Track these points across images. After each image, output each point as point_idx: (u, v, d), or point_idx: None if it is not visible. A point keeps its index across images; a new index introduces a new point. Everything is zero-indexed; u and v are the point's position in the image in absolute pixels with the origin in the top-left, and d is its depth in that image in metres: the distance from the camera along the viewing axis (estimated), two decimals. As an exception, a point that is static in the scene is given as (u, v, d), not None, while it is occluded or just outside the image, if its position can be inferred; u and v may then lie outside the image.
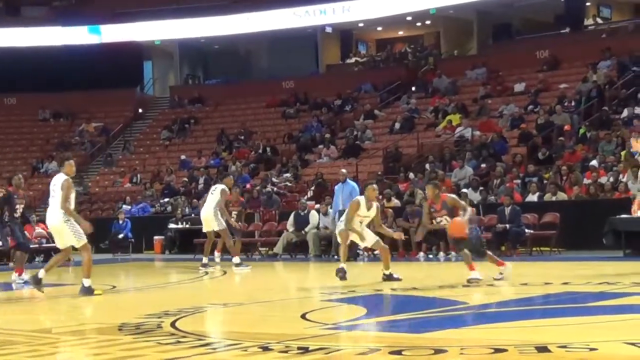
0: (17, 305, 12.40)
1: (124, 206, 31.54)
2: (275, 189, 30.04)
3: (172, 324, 9.75)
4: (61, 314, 11.51)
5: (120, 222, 28.52)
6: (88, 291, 13.10)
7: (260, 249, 26.08)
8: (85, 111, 42.65)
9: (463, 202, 14.59)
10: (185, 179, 33.83)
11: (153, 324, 9.89)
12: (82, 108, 42.63)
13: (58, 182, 13.30)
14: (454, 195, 15.05)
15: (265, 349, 7.85)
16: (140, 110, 44.15)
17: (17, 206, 17.11)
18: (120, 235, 28.36)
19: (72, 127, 42.23)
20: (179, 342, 8.58)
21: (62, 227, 13.08)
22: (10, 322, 11.21)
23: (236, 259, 19.19)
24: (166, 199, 32.14)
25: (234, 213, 20.56)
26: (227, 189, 19.54)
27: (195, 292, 11.95)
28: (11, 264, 17.79)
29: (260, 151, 35.41)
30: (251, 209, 26.82)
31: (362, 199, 14.99)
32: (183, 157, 36.84)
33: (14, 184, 17.46)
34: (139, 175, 36.30)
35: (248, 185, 30.73)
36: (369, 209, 14.81)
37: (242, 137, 37.59)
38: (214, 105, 42.39)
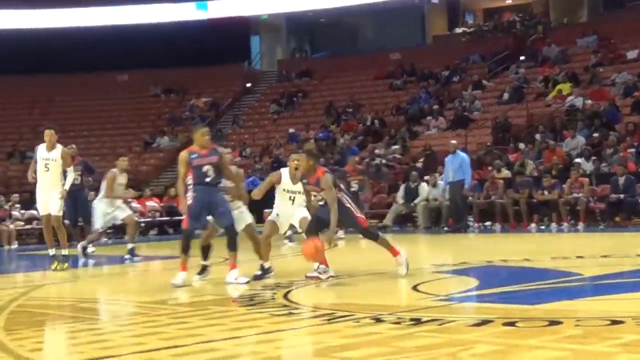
0: (134, 278, 12.68)
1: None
2: (383, 161, 29.99)
3: (285, 296, 9.85)
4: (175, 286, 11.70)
5: (231, 196, 28.83)
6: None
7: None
8: (195, 86, 43.18)
9: (333, 193, 11.39)
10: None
11: (266, 295, 10.01)
12: (192, 83, 43.18)
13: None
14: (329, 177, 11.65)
15: (378, 320, 7.87)
16: (248, 85, 44.51)
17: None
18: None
19: (182, 103, 42.81)
20: (291, 313, 8.67)
21: None
22: (128, 294, 11.49)
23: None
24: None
25: (353, 183, 20.59)
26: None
27: (307, 264, 12.02)
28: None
29: (368, 123, 35.37)
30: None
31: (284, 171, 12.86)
32: (291, 130, 37.02)
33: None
34: (248, 149, 36.65)
35: (356, 158, 30.71)
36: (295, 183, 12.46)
37: (350, 110, 37.60)
38: (322, 78, 42.47)
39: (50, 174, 14.75)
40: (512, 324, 7.27)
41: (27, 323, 8.91)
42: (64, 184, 14.90)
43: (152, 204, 27.64)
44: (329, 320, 8.14)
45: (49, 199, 14.61)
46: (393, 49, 41.88)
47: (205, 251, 12.56)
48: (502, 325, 7.23)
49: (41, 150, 15.04)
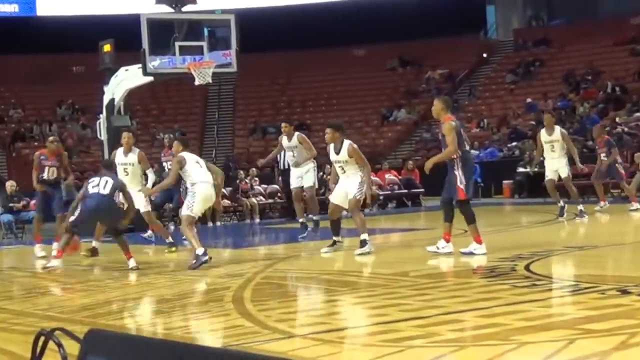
0: (374, 250, 12.81)
1: (472, 151, 31.67)
2: (625, 129, 28.95)
3: (526, 267, 9.71)
4: (415, 258, 11.77)
5: (471, 167, 28.67)
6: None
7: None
8: (431, 58, 43.11)
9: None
10: (532, 122, 33.41)
11: (506, 267, 9.90)
12: (427, 56, 43.14)
13: None
14: None
15: (624, 292, 7.63)
16: (484, 55, 44.02)
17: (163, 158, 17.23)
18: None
19: (418, 75, 42.87)
20: (534, 285, 8.53)
21: None
22: (368, 266, 11.65)
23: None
24: (513, 143, 31.97)
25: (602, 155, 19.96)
26: None
27: (548, 236, 11.80)
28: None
29: (609, 91, 34.23)
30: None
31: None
32: (529, 100, 36.37)
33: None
34: (485, 120, 36.30)
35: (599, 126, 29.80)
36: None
37: (589, 77, 36.51)
38: (559, 46, 41.42)
39: (130, 177, 14.84)
40: None
41: (272, 294, 9.20)
42: (145, 184, 15.17)
43: (391, 177, 27.84)
44: (572, 291, 7.97)
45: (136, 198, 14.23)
46: (634, 13, 40.23)
47: (336, 226, 13.19)
48: None
49: (119, 154, 15.28)
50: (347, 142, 12.95)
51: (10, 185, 22.34)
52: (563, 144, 17.64)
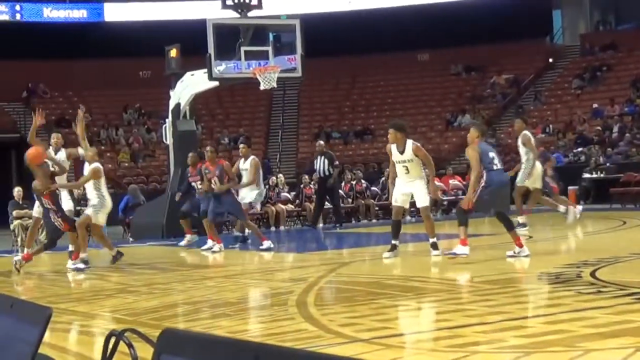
0: (437, 256, 12.78)
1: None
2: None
3: (592, 274, 9.61)
4: (479, 263, 11.72)
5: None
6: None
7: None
8: (496, 63, 42.83)
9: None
10: (599, 127, 33.05)
11: (572, 273, 9.82)
12: (492, 60, 42.85)
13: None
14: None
15: (693, 300, 7.52)
16: (550, 60, 43.61)
17: (192, 184, 17.24)
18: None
19: (483, 80, 42.61)
20: (599, 291, 8.45)
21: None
22: (432, 271, 11.62)
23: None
24: (579, 149, 31.64)
25: None
26: None
27: (614, 242, 11.65)
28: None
29: (678, 96, 33.76)
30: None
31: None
32: (595, 105, 35.97)
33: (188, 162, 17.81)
34: (550, 126, 35.97)
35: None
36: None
37: (658, 82, 36.02)
38: (627, 50, 40.88)
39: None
40: None
41: (337, 299, 9.22)
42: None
43: (455, 182, 27.72)
44: (639, 299, 7.87)
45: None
46: None
47: (397, 229, 13.27)
48: None
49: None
50: (410, 142, 13.05)
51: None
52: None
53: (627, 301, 7.79)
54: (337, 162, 23.09)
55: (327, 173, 22.29)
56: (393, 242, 13.21)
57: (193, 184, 17.19)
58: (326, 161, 22.32)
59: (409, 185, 13.06)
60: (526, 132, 17.13)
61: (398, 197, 13.22)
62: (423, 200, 13.08)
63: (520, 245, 11.80)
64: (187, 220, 17.81)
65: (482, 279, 9.88)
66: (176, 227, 20.27)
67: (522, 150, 17.02)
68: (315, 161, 23.02)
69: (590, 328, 6.61)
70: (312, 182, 24.44)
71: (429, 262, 12.31)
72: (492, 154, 12.23)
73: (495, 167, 12.10)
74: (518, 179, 16.87)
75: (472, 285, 9.57)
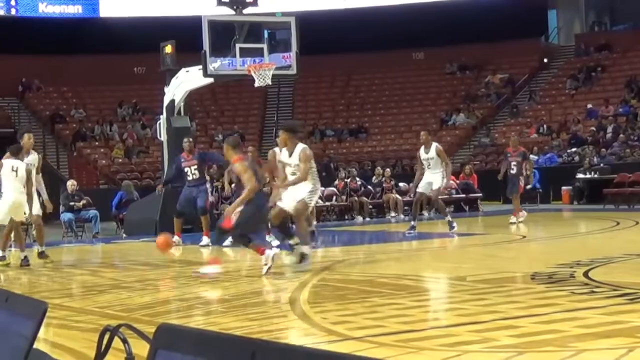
0: (430, 255, 12.82)
1: (531, 156, 31.47)
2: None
3: (585, 274, 9.63)
4: (473, 262, 11.73)
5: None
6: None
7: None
8: (491, 63, 42.87)
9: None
10: (593, 128, 33.10)
11: (565, 273, 9.83)
12: (487, 60, 42.89)
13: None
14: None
15: (685, 301, 7.54)
16: (545, 60, 43.65)
17: (186, 169, 16.93)
18: (528, 186, 28.32)
19: (478, 79, 42.64)
20: (592, 292, 8.47)
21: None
22: (426, 270, 11.63)
23: None
24: (573, 149, 31.69)
25: None
26: None
27: (607, 242, 11.67)
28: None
29: (673, 97, 33.81)
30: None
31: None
32: (589, 106, 36.03)
33: (184, 148, 17.45)
34: (545, 126, 36.02)
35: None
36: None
37: (652, 84, 36.08)
38: (622, 51, 40.94)
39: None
40: None
41: (329, 297, 9.23)
42: None
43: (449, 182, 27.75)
44: (632, 299, 7.89)
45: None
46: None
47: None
48: None
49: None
50: (300, 146, 12.12)
51: (70, 184, 22.61)
52: (439, 160, 17.57)
53: (620, 302, 7.80)
54: None
55: None
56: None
57: (186, 169, 16.93)
58: None
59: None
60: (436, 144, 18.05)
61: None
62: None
63: (262, 253, 11.08)
64: (182, 220, 17.63)
65: (475, 278, 9.88)
66: (169, 224, 20.27)
67: (433, 161, 17.43)
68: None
69: (583, 328, 6.62)
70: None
71: (422, 261, 12.31)
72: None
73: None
74: (438, 184, 17.53)
75: (465, 284, 9.58)
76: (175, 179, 17.70)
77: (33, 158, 14.49)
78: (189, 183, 16.90)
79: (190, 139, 17.99)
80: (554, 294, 8.37)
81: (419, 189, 17.40)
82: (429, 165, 17.16)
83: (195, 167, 16.82)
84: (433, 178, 17.10)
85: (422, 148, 17.33)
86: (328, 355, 1.66)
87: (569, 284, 8.98)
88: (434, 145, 17.32)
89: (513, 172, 19.42)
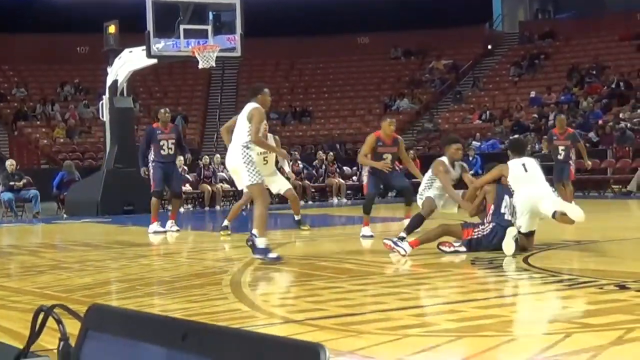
0: (370, 238, 12.87)
1: (474, 142, 31.71)
2: (628, 125, 28.95)
3: (525, 260, 9.72)
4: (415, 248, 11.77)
5: (471, 158, 28.66)
6: (263, 252, 10.30)
7: (612, 186, 25.34)
8: (435, 48, 43.03)
9: None
10: (535, 115, 33.42)
11: (506, 259, 9.91)
12: (432, 45, 43.04)
13: (244, 113, 10.59)
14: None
15: (622, 287, 7.66)
16: (489, 47, 43.95)
17: (162, 142, 15.66)
18: (471, 172, 28.49)
19: (422, 65, 42.82)
20: (532, 277, 8.55)
21: (241, 167, 10.41)
22: (373, 254, 11.65)
23: None
24: (516, 136, 31.96)
25: None
26: None
27: (547, 229, 11.79)
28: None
29: (613, 86, 34.20)
30: (603, 145, 26.07)
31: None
32: (532, 93, 36.36)
33: (159, 119, 16.15)
34: (488, 112, 36.28)
35: (600, 122, 29.85)
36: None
37: (594, 72, 36.47)
38: (565, 39, 41.36)
39: None
40: None
41: (270, 279, 9.22)
42: None
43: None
44: (570, 285, 7.98)
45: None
46: (641, 8, 40.16)
47: None
48: None
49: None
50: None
51: (10, 164, 22.33)
52: None
53: (558, 287, 7.89)
54: None
55: None
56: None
57: (162, 142, 15.60)
58: None
59: None
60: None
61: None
62: None
63: None
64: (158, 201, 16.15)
65: (416, 263, 9.94)
66: (111, 205, 20.07)
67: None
68: None
69: (520, 313, 6.69)
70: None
71: (364, 245, 12.34)
72: None
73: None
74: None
75: (406, 268, 9.62)
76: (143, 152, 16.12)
77: None
78: (164, 158, 15.63)
79: (168, 110, 16.62)
80: (494, 279, 8.45)
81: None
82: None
83: (173, 141, 15.74)
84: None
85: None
86: (260, 337, 1.64)
87: (509, 270, 9.06)
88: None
89: (560, 157, 18.06)
